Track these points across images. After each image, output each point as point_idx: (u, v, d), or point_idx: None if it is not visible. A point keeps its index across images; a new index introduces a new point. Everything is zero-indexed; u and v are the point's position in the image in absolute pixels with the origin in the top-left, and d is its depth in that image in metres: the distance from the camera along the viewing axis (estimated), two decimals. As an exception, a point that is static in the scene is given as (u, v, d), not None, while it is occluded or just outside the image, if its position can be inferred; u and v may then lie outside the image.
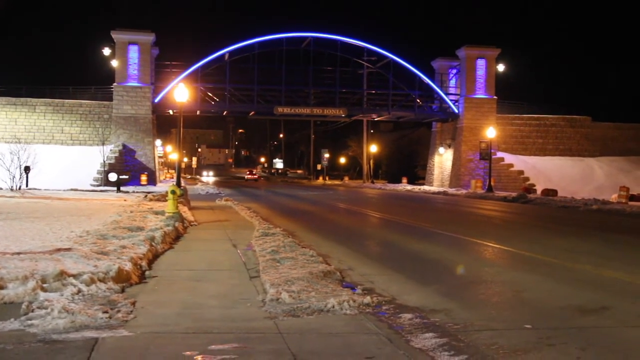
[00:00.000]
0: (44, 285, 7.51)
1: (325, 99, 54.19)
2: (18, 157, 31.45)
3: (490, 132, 45.62)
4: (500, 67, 54.75)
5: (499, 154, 52.30)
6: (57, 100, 48.65)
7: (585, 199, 32.50)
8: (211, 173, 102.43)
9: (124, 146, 47.48)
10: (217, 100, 51.70)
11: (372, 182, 67.41)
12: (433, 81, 54.06)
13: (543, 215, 25.28)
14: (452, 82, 56.26)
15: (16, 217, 16.11)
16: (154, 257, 11.12)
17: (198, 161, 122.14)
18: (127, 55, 47.88)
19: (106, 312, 6.81)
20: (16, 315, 6.55)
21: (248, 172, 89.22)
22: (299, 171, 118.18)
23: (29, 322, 6.34)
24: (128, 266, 9.10)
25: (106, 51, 50.00)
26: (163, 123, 69.16)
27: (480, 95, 53.27)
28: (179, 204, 17.82)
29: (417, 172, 73.46)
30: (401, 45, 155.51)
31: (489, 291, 9.20)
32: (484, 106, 53.29)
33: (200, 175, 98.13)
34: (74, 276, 7.94)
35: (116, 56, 48.17)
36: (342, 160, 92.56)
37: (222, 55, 50.08)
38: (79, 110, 48.80)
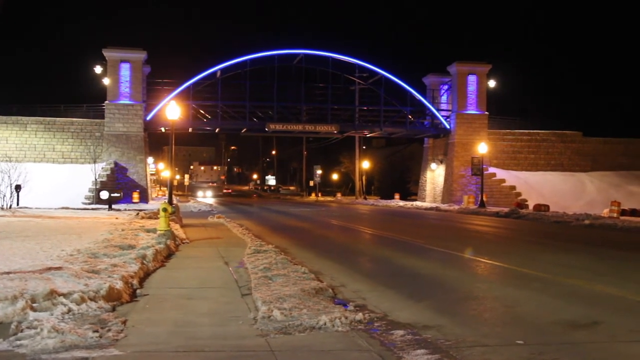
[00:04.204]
0: (34, 304, 7.46)
1: (317, 116, 54.21)
2: (9, 176, 31.29)
3: (482, 148, 45.81)
4: (492, 83, 55.04)
5: (491, 170, 52.45)
6: (48, 119, 48.45)
7: (577, 214, 32.60)
8: (209, 193, 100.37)
9: (116, 164, 47.30)
10: (209, 118, 51.63)
11: (365, 198, 67.38)
12: (424, 97, 54.26)
13: (535, 230, 25.34)
14: (444, 98, 56.48)
15: (6, 236, 16.00)
16: (145, 275, 11.07)
17: (190, 178, 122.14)
18: (118, 73, 47.88)
19: (97, 331, 6.75)
20: (5, 335, 6.50)
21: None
22: (292, 188, 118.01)
23: (18, 342, 6.29)
24: (119, 285, 9.05)
25: (98, 69, 49.95)
26: (155, 141, 69.04)
27: (471, 111, 53.50)
28: (170, 222, 17.76)
29: (410, 188, 73.49)
30: (392, 62, 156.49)
31: (481, 307, 9.19)
32: (476, 122, 53.53)
33: (195, 194, 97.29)
34: (64, 295, 7.89)
35: (108, 74, 48.14)
36: (335, 176, 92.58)
37: (214, 73, 50.13)
38: (71, 129, 48.61)
